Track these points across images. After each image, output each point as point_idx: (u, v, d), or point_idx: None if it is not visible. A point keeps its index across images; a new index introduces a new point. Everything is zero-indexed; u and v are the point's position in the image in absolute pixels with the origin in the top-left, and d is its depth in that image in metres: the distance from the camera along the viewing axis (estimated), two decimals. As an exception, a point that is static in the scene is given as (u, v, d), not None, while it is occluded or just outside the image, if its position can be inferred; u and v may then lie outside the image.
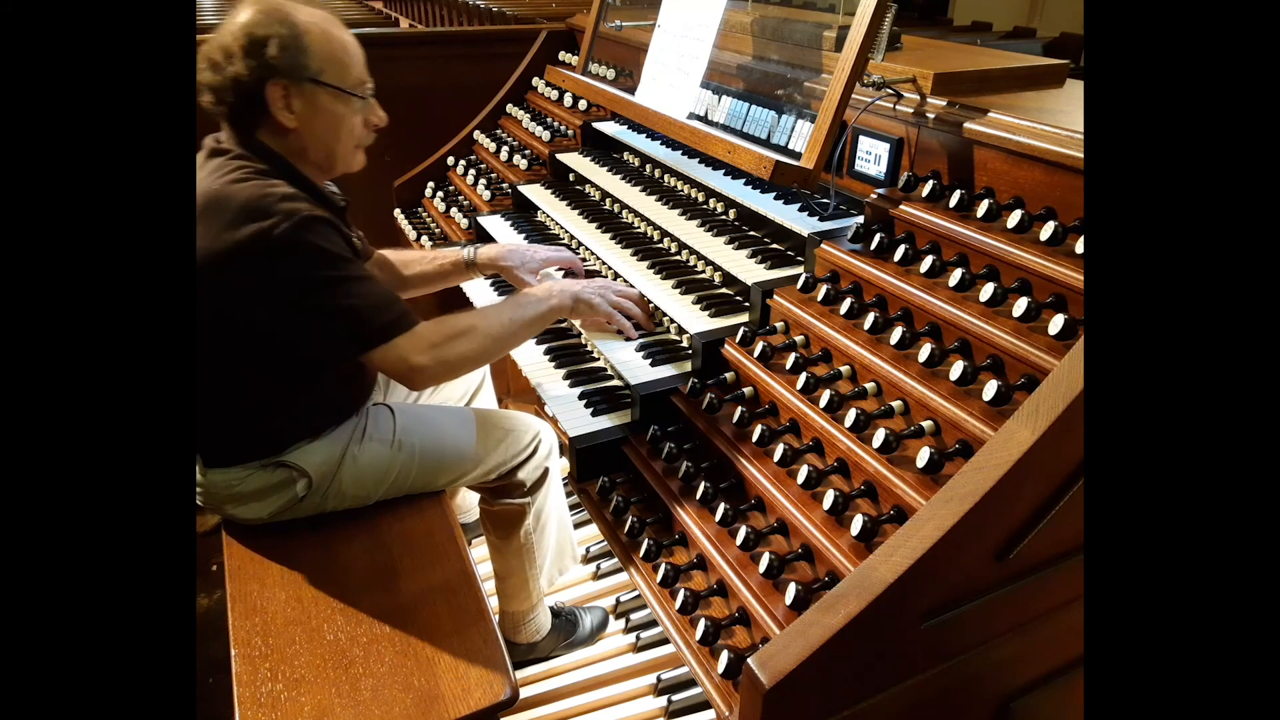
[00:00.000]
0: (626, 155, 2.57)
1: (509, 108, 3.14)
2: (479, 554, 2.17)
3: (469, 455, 1.70)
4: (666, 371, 1.73)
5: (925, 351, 1.33)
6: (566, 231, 2.32)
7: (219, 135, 1.50)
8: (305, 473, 1.56)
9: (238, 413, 1.54)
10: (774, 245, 1.92)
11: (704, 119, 2.19)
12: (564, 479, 1.90)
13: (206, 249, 1.36)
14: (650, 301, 1.89)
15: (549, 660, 2.03)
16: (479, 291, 2.23)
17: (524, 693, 1.90)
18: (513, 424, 1.77)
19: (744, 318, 1.76)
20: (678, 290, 1.88)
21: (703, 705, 1.87)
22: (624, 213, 2.31)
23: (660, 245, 2.12)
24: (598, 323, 1.79)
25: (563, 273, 2.09)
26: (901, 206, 1.57)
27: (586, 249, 2.19)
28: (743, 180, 2.06)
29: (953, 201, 1.49)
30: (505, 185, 2.70)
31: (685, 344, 1.82)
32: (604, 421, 1.72)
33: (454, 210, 2.77)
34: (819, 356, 1.53)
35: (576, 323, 1.95)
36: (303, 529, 1.62)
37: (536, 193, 2.54)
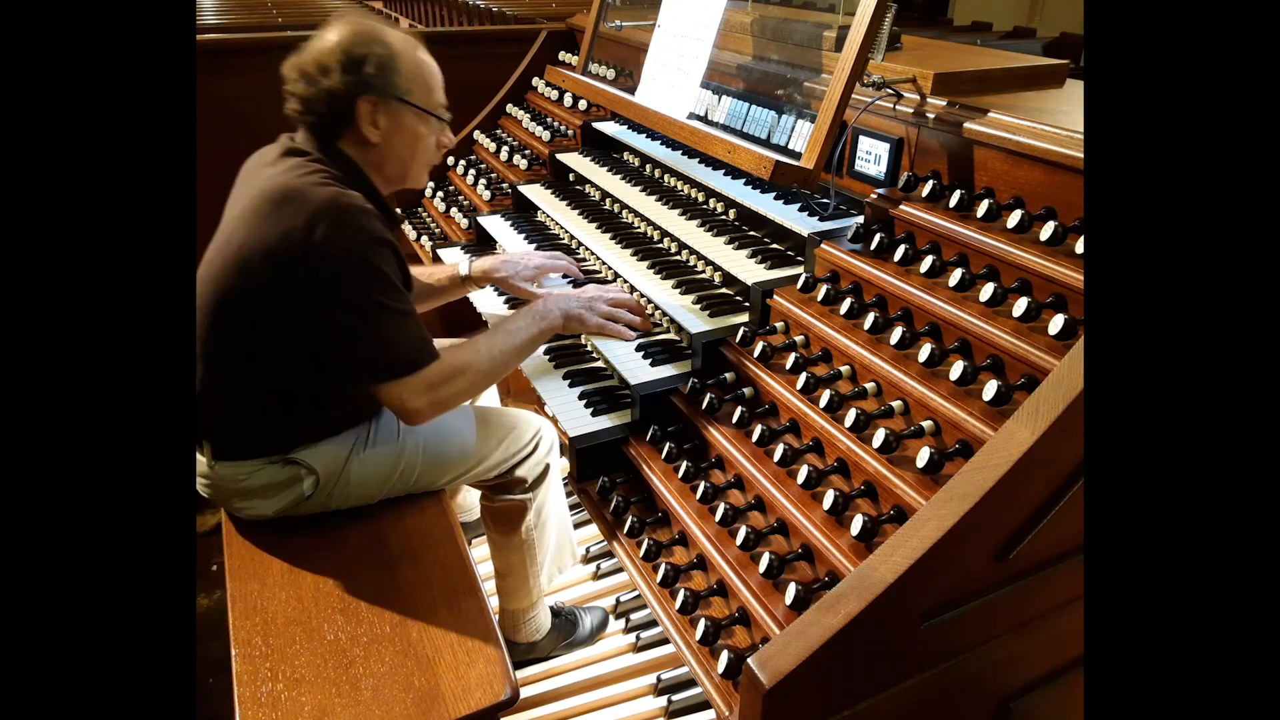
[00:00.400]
0: (626, 155, 2.57)
1: (509, 108, 3.14)
2: (479, 553, 2.17)
3: (471, 452, 1.71)
4: (666, 371, 1.73)
5: (925, 351, 1.33)
6: (566, 231, 2.32)
7: (294, 135, 1.55)
8: (313, 470, 1.57)
9: (259, 407, 1.54)
10: (774, 245, 1.92)
11: (704, 119, 2.19)
12: (564, 479, 1.90)
13: (270, 241, 1.39)
14: (650, 301, 1.89)
15: (549, 660, 2.03)
16: (484, 297, 2.22)
17: (524, 693, 1.90)
18: (514, 421, 1.78)
19: (744, 318, 1.76)
20: (678, 290, 1.88)
21: (703, 705, 1.87)
22: (624, 213, 2.31)
23: (660, 245, 2.12)
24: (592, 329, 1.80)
25: (564, 277, 2.09)
26: (901, 206, 1.57)
27: (586, 249, 2.19)
28: (743, 180, 2.06)
29: (953, 201, 1.49)
30: (505, 185, 2.70)
31: (685, 344, 1.81)
32: (604, 421, 1.72)
33: (454, 210, 2.77)
34: (819, 356, 1.53)
35: None
36: (303, 528, 1.62)
37: (536, 193, 2.53)
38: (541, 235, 2.40)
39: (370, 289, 1.41)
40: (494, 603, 1.98)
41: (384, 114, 1.51)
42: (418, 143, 1.58)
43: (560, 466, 1.86)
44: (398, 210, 1.66)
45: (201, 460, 1.59)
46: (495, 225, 2.51)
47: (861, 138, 1.75)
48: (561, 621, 2.04)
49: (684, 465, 1.52)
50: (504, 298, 2.17)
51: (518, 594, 1.90)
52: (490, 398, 2.17)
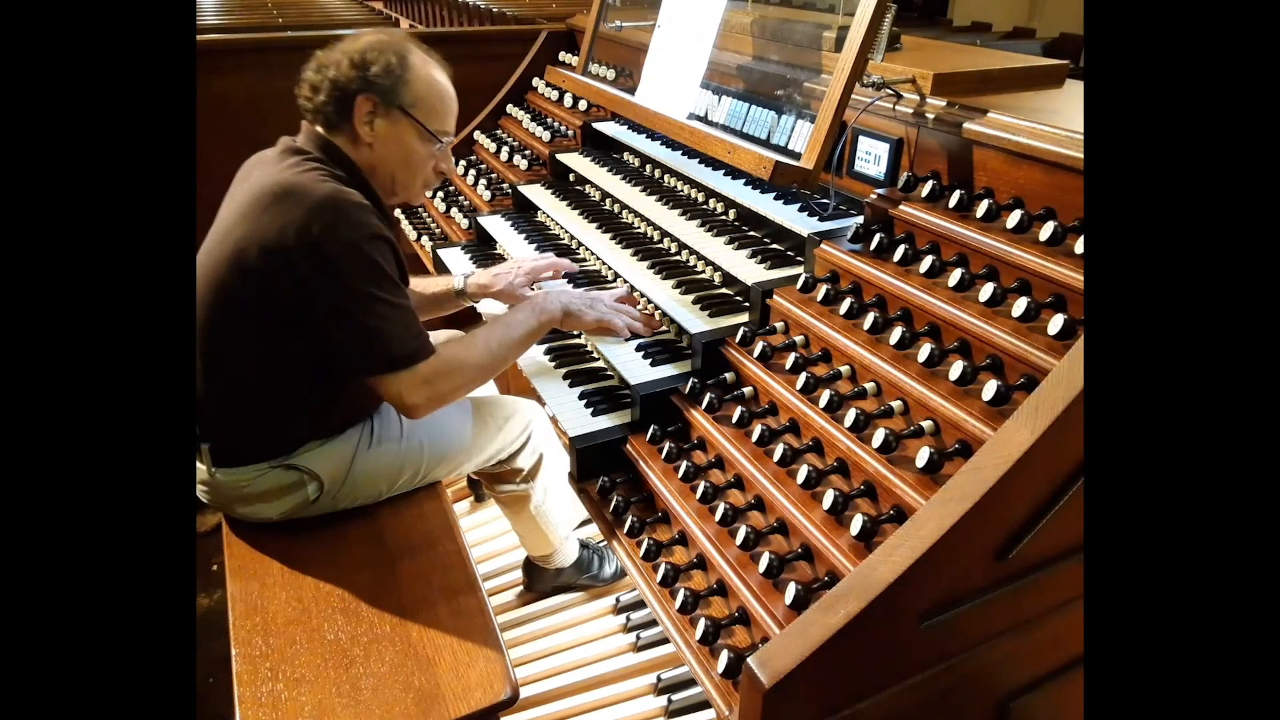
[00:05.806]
0: (626, 155, 2.57)
1: (509, 108, 3.14)
2: (487, 515, 2.22)
3: (470, 442, 1.77)
4: (666, 371, 1.73)
5: (925, 351, 1.33)
6: (567, 231, 2.32)
7: (295, 137, 1.58)
8: (316, 476, 1.57)
9: (257, 408, 1.55)
10: (774, 245, 1.92)
11: (704, 119, 2.19)
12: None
13: (268, 235, 1.41)
14: (650, 301, 1.89)
15: (549, 659, 2.03)
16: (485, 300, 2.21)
17: (524, 692, 1.90)
18: (511, 409, 1.86)
19: (744, 318, 1.76)
20: (678, 290, 1.88)
21: (703, 705, 1.88)
22: (624, 213, 2.31)
23: (660, 245, 2.12)
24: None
25: (565, 278, 2.09)
26: (901, 207, 1.57)
27: (587, 249, 2.19)
28: (743, 180, 2.06)
29: (952, 202, 1.49)
30: (505, 185, 2.71)
31: (685, 344, 1.82)
32: (604, 421, 1.72)
33: (454, 210, 2.77)
34: (819, 356, 1.53)
35: None
36: (303, 528, 1.62)
37: (537, 193, 2.54)
38: (542, 235, 2.40)
39: (367, 282, 1.43)
40: (519, 555, 2.16)
41: (382, 118, 1.54)
42: (411, 158, 1.61)
43: (555, 445, 1.92)
44: (396, 214, 1.70)
45: (201, 467, 1.59)
46: (495, 225, 2.51)
47: (861, 138, 1.75)
48: (587, 554, 2.15)
49: (684, 465, 1.52)
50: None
51: (539, 545, 2.03)
52: (488, 388, 2.20)
